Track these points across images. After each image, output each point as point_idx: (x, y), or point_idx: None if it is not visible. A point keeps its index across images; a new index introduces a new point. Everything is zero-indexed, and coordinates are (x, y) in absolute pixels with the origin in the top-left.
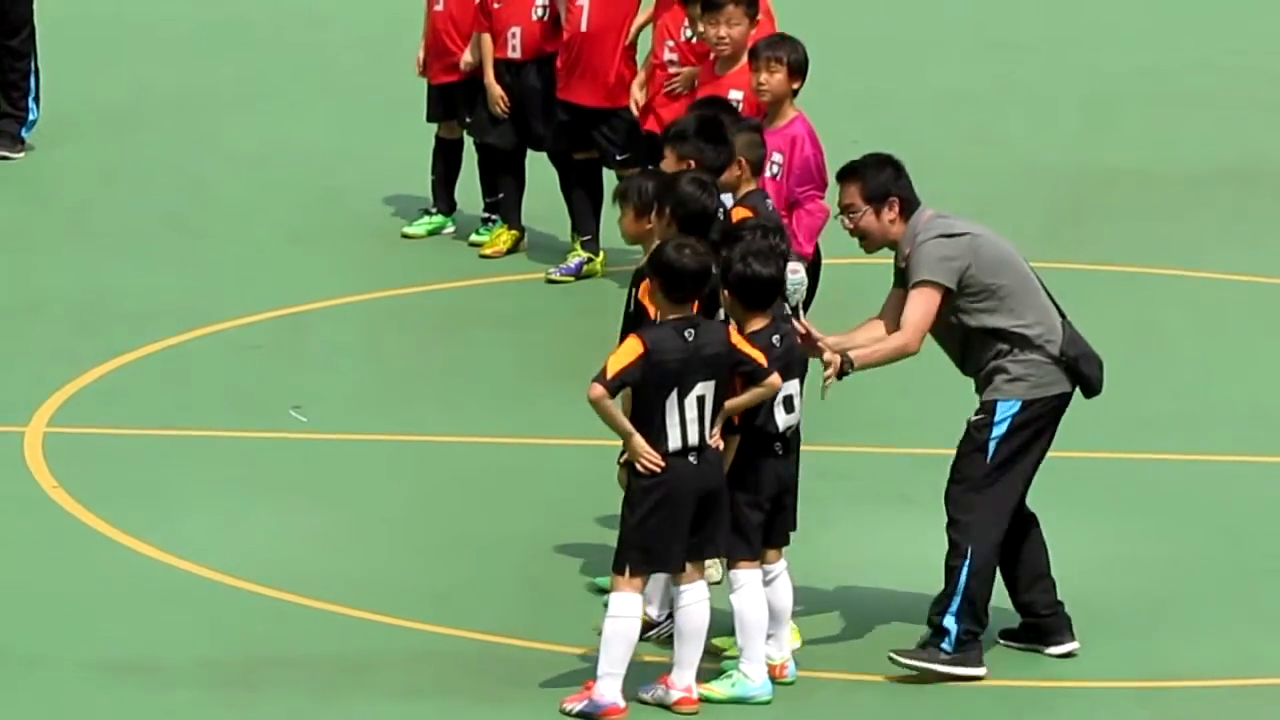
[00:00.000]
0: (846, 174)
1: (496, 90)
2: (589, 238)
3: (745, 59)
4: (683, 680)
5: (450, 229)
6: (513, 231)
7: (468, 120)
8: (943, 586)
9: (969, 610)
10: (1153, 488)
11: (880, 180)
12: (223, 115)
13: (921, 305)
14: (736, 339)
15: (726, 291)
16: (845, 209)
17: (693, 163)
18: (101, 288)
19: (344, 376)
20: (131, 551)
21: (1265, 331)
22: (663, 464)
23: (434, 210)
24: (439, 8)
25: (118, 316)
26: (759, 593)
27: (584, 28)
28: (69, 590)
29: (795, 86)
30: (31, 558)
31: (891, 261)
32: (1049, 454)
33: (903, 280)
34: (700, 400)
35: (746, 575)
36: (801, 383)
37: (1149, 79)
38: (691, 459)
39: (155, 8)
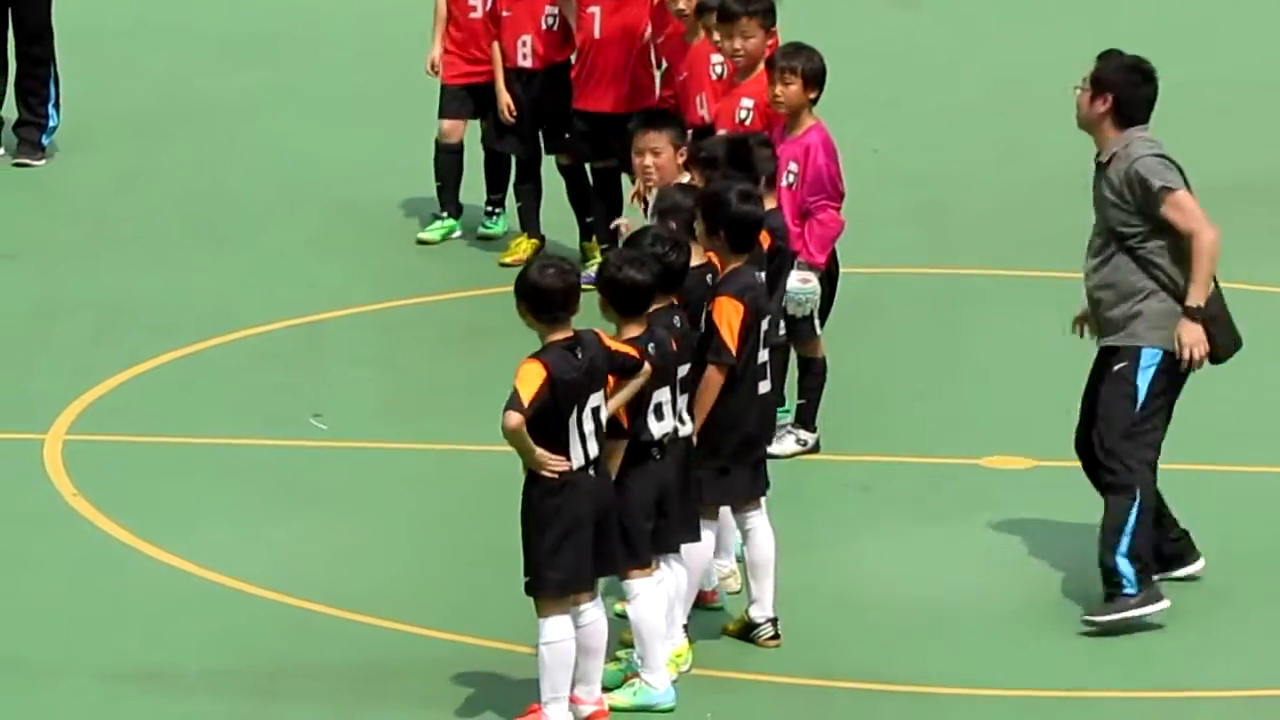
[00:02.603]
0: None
1: (505, 98)
2: (608, 246)
3: (762, 68)
4: (592, 694)
5: (459, 232)
6: (533, 240)
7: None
8: (1103, 528)
9: (1136, 547)
10: (1172, 497)
11: (1113, 75)
12: (241, 124)
13: (1186, 206)
14: (609, 341)
15: (601, 295)
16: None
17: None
18: (121, 295)
19: (364, 385)
20: (151, 559)
21: None
22: (569, 464)
23: (444, 215)
24: (475, 15)
25: (137, 324)
26: (654, 600)
27: (597, 34)
28: (88, 598)
29: (812, 96)
30: (50, 566)
31: (910, 279)
32: (1065, 464)
33: (1098, 188)
34: (595, 412)
35: (639, 584)
36: (673, 391)
37: (1172, 93)
38: (591, 473)
39: (176, 18)
